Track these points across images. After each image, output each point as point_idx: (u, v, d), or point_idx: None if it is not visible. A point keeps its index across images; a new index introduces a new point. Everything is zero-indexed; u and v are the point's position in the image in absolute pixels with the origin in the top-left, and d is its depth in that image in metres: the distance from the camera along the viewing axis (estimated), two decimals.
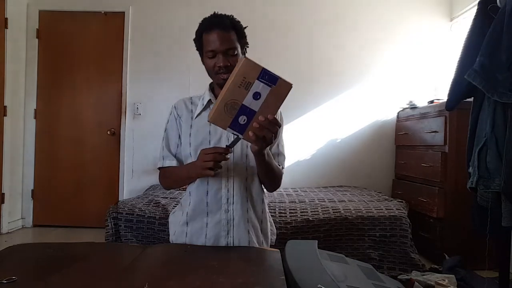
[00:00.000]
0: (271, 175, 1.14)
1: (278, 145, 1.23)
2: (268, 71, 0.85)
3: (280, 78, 0.85)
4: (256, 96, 0.85)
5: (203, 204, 1.14)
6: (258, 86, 0.84)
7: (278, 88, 0.85)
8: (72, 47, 3.38)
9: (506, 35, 1.37)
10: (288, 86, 0.85)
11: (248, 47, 1.20)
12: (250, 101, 0.85)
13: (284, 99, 0.86)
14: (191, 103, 1.22)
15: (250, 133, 0.86)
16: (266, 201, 1.26)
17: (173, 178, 1.20)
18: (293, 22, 3.36)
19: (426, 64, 3.35)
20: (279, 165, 1.20)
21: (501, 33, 1.39)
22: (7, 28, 3.08)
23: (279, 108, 0.87)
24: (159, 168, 1.23)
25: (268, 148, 1.04)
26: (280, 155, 1.23)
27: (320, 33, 3.36)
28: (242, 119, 0.86)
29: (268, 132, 0.86)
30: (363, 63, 3.36)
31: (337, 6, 3.37)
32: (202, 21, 1.13)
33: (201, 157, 1.00)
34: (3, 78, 3.07)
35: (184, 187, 1.24)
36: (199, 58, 1.19)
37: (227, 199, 1.13)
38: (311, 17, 3.36)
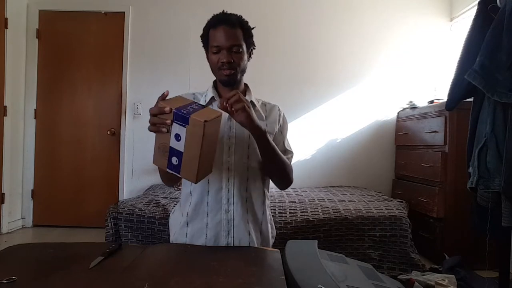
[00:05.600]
0: (278, 164, 1.13)
1: (284, 143, 1.25)
2: (180, 112, 0.81)
3: (191, 117, 0.80)
4: (177, 137, 0.84)
5: (204, 204, 1.14)
6: (176, 128, 0.83)
7: (192, 127, 0.81)
8: (72, 47, 3.38)
9: (506, 35, 1.37)
10: (200, 124, 0.80)
11: (254, 48, 1.19)
12: (174, 143, 0.85)
13: (202, 137, 0.81)
14: (193, 98, 1.22)
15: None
16: (267, 203, 1.25)
17: None
18: (293, 23, 3.36)
19: (426, 64, 3.35)
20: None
21: (501, 33, 1.39)
22: (7, 28, 3.08)
23: (200, 147, 0.83)
24: None
25: (265, 128, 1.04)
26: (287, 152, 1.25)
27: (320, 33, 3.36)
28: (174, 160, 0.87)
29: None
30: (363, 63, 3.37)
31: (336, 7, 3.37)
32: (210, 18, 1.13)
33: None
34: (3, 78, 3.07)
35: (180, 187, 1.23)
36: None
37: (228, 199, 1.13)
38: (311, 18, 3.36)
